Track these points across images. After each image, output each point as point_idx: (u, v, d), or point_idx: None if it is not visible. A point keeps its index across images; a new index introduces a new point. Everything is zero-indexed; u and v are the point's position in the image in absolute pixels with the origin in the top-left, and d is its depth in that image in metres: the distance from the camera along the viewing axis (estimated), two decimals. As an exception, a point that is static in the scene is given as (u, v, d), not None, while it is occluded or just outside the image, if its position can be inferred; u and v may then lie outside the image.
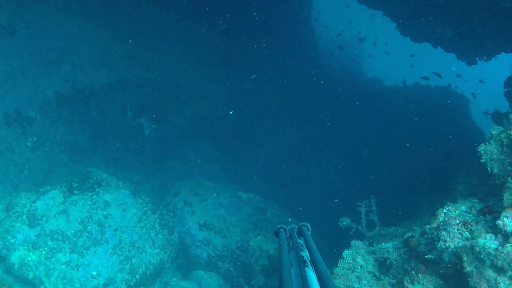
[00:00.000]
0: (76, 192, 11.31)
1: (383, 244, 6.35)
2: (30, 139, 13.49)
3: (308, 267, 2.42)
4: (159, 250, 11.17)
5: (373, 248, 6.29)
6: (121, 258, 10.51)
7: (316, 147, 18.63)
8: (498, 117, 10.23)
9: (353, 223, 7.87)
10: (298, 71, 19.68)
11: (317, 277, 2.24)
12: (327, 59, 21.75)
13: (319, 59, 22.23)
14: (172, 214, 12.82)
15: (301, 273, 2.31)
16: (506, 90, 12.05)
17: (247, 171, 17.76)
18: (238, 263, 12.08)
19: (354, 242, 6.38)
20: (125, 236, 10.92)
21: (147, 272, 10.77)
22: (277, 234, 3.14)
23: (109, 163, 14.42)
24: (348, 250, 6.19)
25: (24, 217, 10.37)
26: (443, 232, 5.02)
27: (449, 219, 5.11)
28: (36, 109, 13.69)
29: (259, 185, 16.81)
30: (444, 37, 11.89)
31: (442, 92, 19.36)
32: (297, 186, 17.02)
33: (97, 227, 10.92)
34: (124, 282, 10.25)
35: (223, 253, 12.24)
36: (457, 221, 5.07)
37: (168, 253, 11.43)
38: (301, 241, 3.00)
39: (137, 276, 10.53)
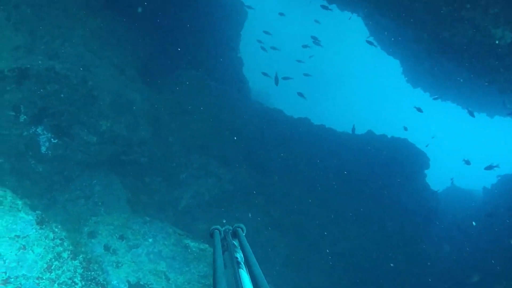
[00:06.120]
0: None
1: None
2: None
3: (242, 269, 2.54)
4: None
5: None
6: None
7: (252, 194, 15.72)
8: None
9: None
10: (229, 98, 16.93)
11: (251, 278, 2.36)
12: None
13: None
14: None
15: (235, 274, 2.48)
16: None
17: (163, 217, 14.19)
18: None
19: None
20: (24, 294, 6.78)
21: None
22: (211, 235, 3.26)
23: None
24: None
25: None
26: None
27: None
28: None
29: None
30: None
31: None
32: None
33: (-28, 277, 6.70)
34: None
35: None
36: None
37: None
38: (236, 243, 3.09)
39: None
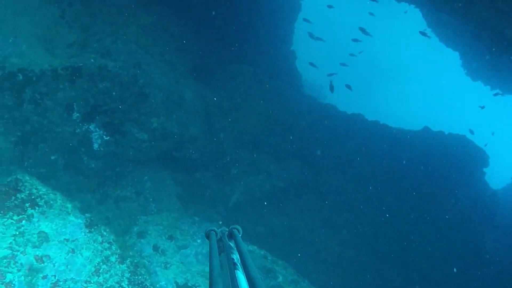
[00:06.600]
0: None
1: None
2: None
3: (238, 270, 2.58)
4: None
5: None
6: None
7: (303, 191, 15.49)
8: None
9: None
10: (284, 94, 16.66)
11: (247, 280, 2.41)
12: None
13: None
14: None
15: (231, 276, 2.54)
16: None
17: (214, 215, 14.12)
18: None
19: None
20: (70, 298, 6.79)
21: None
22: (207, 236, 3.31)
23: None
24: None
25: None
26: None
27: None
28: None
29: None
30: None
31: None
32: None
33: (22, 278, 6.73)
34: None
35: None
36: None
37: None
38: (232, 244, 3.10)
39: None
